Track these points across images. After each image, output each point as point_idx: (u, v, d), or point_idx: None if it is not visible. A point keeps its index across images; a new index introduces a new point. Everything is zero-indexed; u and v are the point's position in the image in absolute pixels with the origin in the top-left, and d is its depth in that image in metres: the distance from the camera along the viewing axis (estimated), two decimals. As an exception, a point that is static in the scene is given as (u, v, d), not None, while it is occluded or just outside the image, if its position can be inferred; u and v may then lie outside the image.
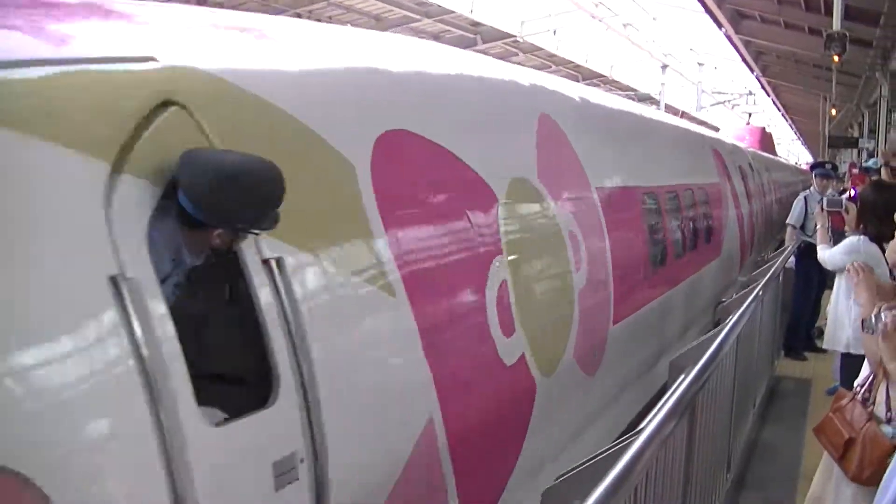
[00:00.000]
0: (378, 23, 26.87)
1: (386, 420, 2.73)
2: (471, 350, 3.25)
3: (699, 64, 42.91)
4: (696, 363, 3.82)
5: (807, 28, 19.78)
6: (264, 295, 2.32)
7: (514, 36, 29.46)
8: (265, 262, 2.36)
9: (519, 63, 32.93)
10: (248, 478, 2.20)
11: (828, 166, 9.70)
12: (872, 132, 22.99)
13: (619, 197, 5.27)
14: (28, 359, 1.86)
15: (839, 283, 6.47)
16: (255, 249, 2.35)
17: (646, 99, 35.74)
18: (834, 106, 28.42)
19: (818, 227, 7.26)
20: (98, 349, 1.96)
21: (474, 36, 29.41)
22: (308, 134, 2.69)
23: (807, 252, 8.79)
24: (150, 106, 2.22)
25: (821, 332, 9.02)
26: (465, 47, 30.33)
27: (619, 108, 6.83)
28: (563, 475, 2.68)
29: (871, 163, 11.49)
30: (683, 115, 37.28)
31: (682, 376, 3.63)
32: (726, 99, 45.80)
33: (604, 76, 36.20)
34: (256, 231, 2.31)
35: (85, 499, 1.89)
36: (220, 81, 2.47)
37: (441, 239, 3.18)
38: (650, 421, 2.96)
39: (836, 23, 13.54)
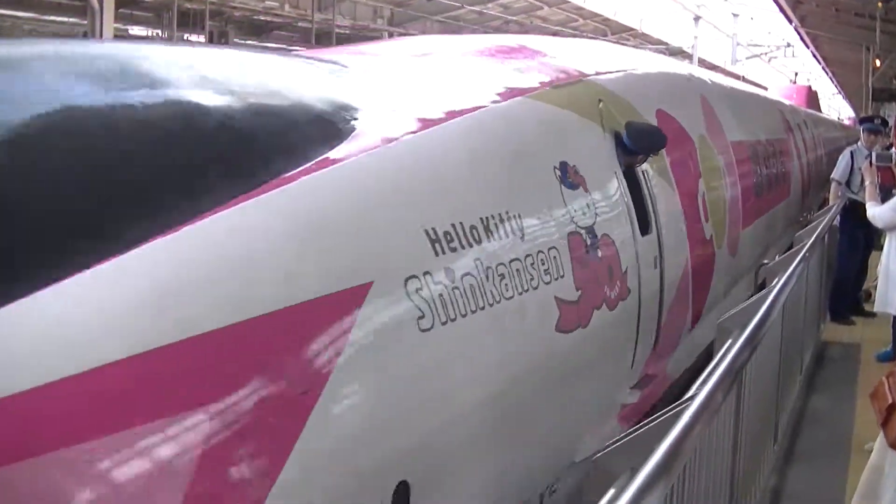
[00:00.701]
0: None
1: (676, 258, 5.33)
2: (697, 225, 5.99)
3: (734, 15, 42.34)
4: (744, 328, 3.83)
5: (849, -27, 19.51)
6: (643, 185, 4.94)
7: (541, -12, 29.20)
8: (643, 172, 4.99)
9: (544, 17, 32.60)
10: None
11: (877, 121, 9.63)
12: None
13: (739, 147, 8.24)
14: None
15: (891, 242, 6.38)
16: (642, 167, 4.99)
17: (677, 53, 35.34)
18: (878, 57, 28.01)
19: (867, 183, 7.16)
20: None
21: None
22: (636, 112, 5.31)
23: (852, 210, 8.76)
24: (597, 101, 4.78)
25: (868, 295, 9.08)
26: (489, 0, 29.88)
27: (731, 86, 10.67)
28: (612, 443, 2.78)
29: None
30: (716, 69, 36.80)
31: (730, 341, 3.71)
32: (763, 52, 45.22)
33: (633, 30, 35.81)
34: (648, 157, 5.00)
35: None
36: (605, 89, 5.11)
37: (688, 165, 6.12)
38: (699, 390, 2.96)
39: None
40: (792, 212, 11.61)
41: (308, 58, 3.95)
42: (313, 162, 2.65)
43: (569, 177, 4.11)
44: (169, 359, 1.98)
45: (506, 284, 3.22)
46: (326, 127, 2.91)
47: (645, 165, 4.99)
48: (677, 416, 2.68)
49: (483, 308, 3.02)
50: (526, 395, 3.30)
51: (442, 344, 2.77)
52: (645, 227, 4.75)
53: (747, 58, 44.22)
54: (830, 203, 9.43)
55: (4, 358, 1.82)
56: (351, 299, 2.45)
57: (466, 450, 2.93)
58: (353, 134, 2.93)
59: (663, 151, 5.28)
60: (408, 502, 2.55)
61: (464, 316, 2.90)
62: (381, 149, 2.96)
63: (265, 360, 2.16)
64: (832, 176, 9.60)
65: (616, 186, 4.55)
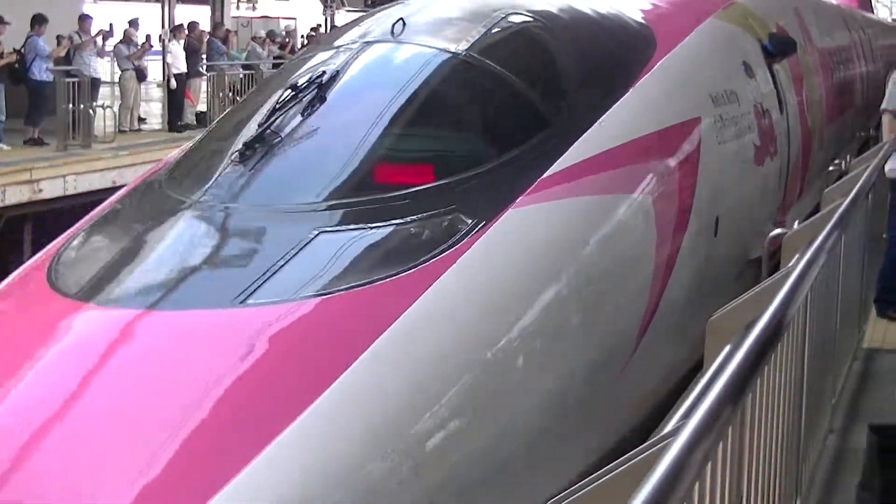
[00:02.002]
0: None
1: (795, 136, 9.26)
2: (804, 115, 9.77)
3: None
4: (748, 332, 3.30)
5: None
6: (778, 79, 8.92)
7: None
8: (776, 70, 8.94)
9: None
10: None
11: None
12: None
13: (822, 53, 12.25)
14: None
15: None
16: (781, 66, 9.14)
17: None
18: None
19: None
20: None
21: None
22: (767, 25, 9.44)
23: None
24: (747, 18, 9.02)
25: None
26: None
27: (811, 1, 14.27)
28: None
29: None
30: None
31: (727, 351, 3.69)
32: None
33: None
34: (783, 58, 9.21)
35: None
36: (748, 9, 9.23)
37: (797, 67, 10.02)
38: (673, 435, 2.54)
39: None
40: (857, 122, 15.65)
41: None
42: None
43: (748, 71, 8.08)
44: None
45: (737, 132, 7.28)
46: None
47: (776, 66, 8.83)
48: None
49: (741, 138, 7.39)
50: (744, 203, 7.44)
51: (732, 153, 7.14)
52: (781, 109, 8.62)
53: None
54: (885, 139, 8.74)
55: None
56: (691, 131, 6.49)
57: None
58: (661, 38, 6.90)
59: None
60: None
61: (738, 138, 7.30)
62: (691, 41, 7.26)
63: None
64: (883, 106, 8.73)
65: (767, 79, 8.51)
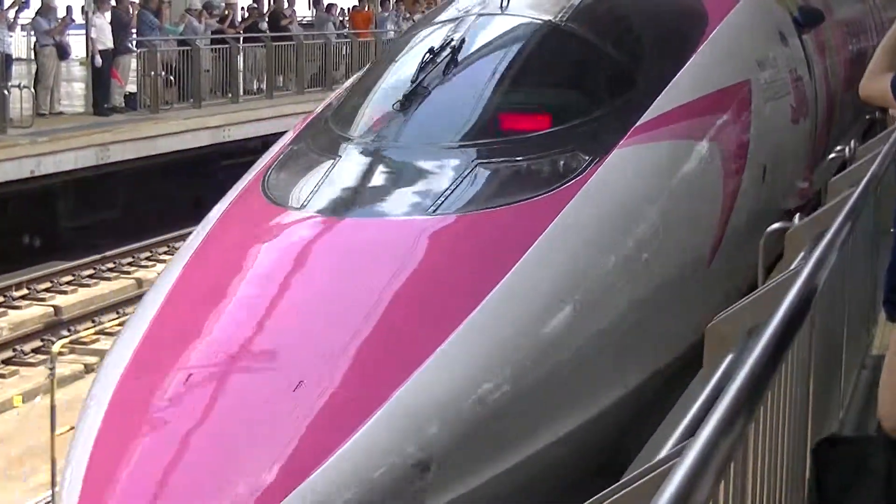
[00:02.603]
0: None
1: (821, 99, 11.31)
2: (828, 83, 11.80)
3: None
4: (749, 350, 3.18)
5: None
6: (807, 48, 11.08)
7: None
8: (804, 39, 11.06)
9: None
10: None
11: None
12: None
13: (840, 24, 14.70)
14: None
15: None
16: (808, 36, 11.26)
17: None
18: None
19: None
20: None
21: None
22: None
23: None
24: None
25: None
26: None
27: None
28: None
29: None
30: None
31: (724, 368, 3.77)
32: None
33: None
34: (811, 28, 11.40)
35: None
36: None
37: (822, 37, 12.32)
38: (689, 441, 2.62)
39: None
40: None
41: None
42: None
43: (783, 40, 9.91)
44: None
45: (778, 93, 9.27)
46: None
47: (805, 35, 10.59)
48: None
49: (781, 99, 9.35)
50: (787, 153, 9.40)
51: (775, 111, 9.17)
52: (810, 76, 10.18)
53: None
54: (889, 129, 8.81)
55: None
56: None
57: None
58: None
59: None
60: None
61: (778, 99, 9.34)
62: (736, 15, 9.17)
63: None
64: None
65: (799, 47, 10.31)
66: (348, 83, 9.02)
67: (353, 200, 6.54)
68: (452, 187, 6.40)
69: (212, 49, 24.42)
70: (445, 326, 5.39)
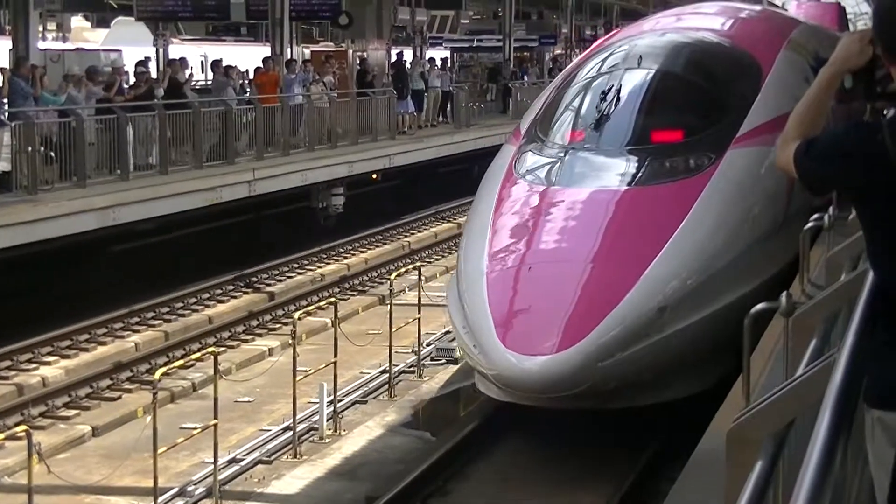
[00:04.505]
0: None
1: None
2: None
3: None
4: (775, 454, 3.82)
5: None
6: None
7: None
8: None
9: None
10: None
11: None
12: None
13: None
14: None
15: None
16: None
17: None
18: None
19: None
20: None
21: None
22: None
23: None
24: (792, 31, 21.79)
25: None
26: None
27: (831, 34, 24.24)
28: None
29: None
30: None
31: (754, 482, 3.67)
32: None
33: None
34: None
35: None
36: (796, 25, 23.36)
37: None
38: None
39: None
40: None
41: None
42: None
43: (807, 80, 16.11)
44: None
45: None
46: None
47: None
48: None
49: None
50: None
51: None
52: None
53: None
54: None
55: None
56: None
57: None
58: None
59: None
60: None
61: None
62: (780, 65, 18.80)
63: None
64: None
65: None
66: (538, 108, 17.55)
67: (585, 179, 15.08)
68: (640, 171, 14.91)
69: (97, 120, 23.52)
70: (664, 237, 13.59)
